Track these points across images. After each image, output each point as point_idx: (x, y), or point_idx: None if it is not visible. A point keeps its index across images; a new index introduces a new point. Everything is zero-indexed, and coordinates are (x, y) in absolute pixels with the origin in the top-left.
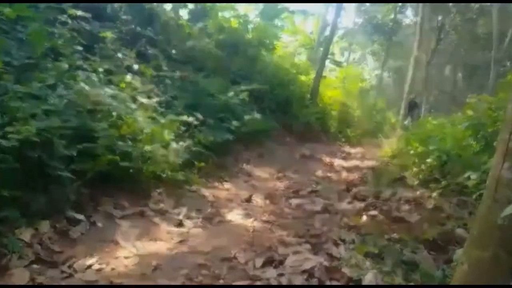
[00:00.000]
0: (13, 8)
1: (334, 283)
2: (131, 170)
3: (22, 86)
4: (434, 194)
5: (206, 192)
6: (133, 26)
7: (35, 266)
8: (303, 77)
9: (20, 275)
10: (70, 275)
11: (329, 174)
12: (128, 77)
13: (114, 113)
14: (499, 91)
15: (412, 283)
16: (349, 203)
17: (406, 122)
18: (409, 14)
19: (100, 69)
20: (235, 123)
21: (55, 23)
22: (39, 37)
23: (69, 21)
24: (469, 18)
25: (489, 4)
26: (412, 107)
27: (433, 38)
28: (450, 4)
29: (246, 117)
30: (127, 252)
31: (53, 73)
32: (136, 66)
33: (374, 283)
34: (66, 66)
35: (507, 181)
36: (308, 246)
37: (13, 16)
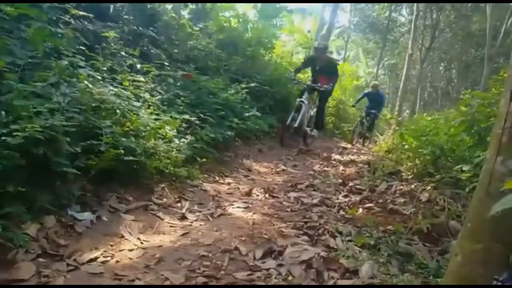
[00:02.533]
0: (15, 6)
1: (332, 273)
2: (135, 166)
3: (26, 85)
4: (428, 188)
5: (207, 186)
6: (135, 26)
7: (41, 259)
8: (301, 75)
9: (26, 269)
10: (76, 268)
11: (326, 169)
12: (131, 76)
13: (118, 111)
14: (492, 87)
15: (407, 274)
16: (346, 196)
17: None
18: (404, 12)
19: (104, 68)
20: (235, 120)
21: (58, 23)
22: (41, 36)
23: (72, 21)
24: (464, 15)
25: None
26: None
27: (428, 35)
28: None
29: (246, 115)
30: (131, 245)
31: (56, 72)
32: (138, 65)
33: (370, 274)
34: (69, 65)
35: (500, 175)
36: (306, 237)
37: (15, 14)
